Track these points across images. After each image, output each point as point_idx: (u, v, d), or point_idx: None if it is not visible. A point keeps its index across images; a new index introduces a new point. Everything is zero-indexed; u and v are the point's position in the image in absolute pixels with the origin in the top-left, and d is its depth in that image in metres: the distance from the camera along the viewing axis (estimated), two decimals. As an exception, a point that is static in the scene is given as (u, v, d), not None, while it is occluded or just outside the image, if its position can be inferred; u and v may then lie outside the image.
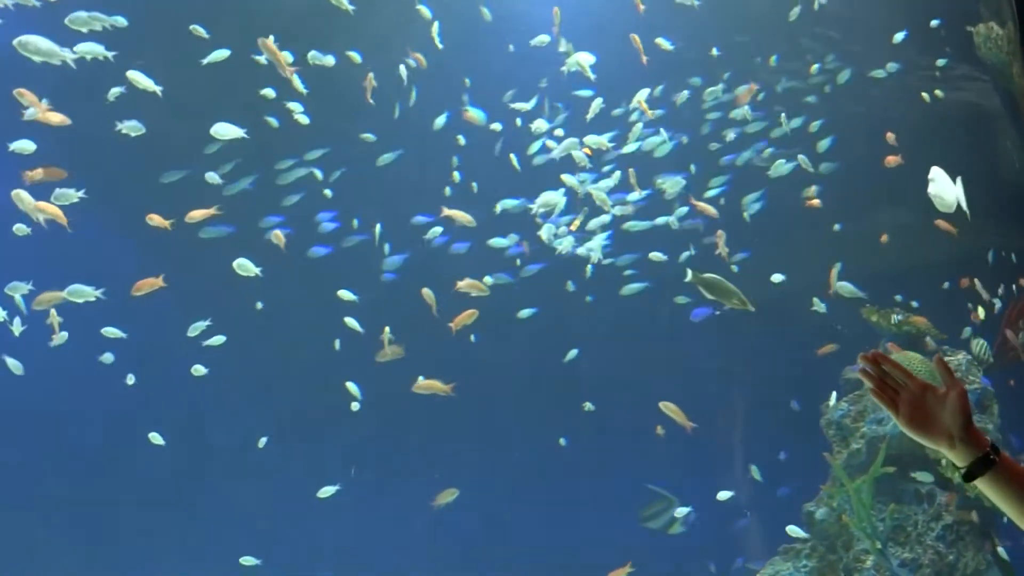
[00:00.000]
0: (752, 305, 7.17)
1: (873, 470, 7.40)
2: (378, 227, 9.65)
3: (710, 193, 9.55)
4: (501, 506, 9.82)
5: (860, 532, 7.51)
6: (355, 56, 9.03)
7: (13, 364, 8.40)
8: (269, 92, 8.83)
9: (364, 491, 9.85)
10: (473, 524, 9.68)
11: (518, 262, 9.74)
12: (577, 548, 9.65)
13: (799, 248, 9.07)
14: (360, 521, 9.89)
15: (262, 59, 8.51)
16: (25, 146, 7.85)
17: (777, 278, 8.70)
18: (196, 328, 8.71)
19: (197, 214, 8.51)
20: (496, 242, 9.56)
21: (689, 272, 7.37)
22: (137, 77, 7.86)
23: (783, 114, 9.46)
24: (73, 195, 7.81)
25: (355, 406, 8.77)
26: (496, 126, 9.53)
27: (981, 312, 8.33)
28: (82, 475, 9.48)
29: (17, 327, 8.15)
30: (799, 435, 8.93)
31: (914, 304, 8.39)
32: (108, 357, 8.92)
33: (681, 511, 8.64)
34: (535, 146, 9.53)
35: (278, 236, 9.12)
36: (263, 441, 9.43)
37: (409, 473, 9.76)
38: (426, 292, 9.02)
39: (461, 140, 9.68)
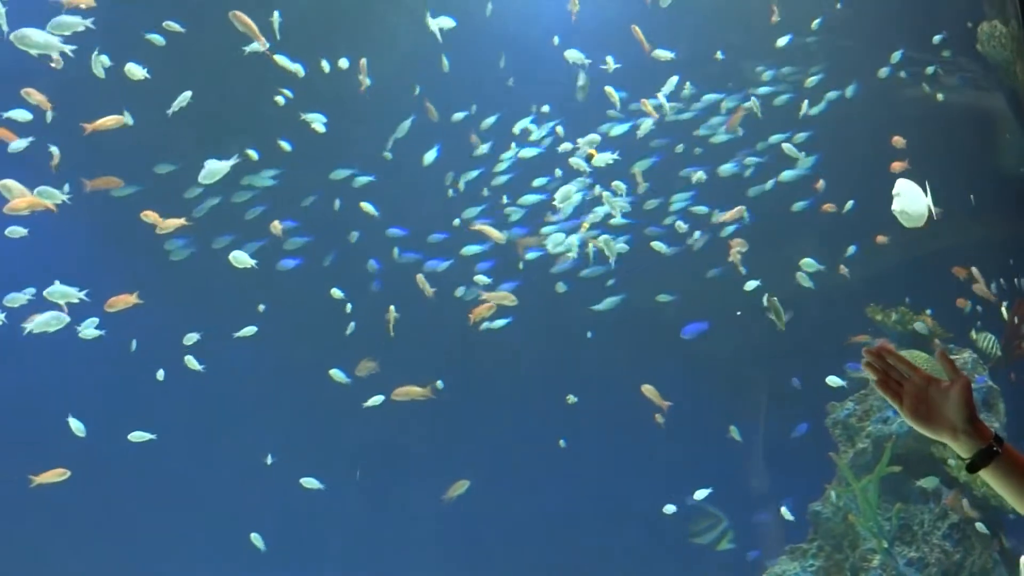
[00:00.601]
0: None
1: (879, 469, 7.40)
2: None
3: (675, 206, 9.58)
4: (507, 506, 9.84)
5: (866, 531, 7.51)
6: (366, 81, 9.07)
7: (76, 427, 8.31)
8: (279, 100, 8.91)
9: (370, 491, 9.89)
10: (479, 524, 9.70)
11: (520, 266, 9.75)
12: (583, 547, 9.68)
13: (804, 251, 9.06)
14: (367, 522, 9.92)
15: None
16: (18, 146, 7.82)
17: (750, 285, 8.80)
18: (190, 338, 8.67)
19: (170, 223, 8.22)
20: (469, 250, 9.56)
21: (766, 298, 7.99)
22: (132, 69, 7.82)
23: (806, 100, 9.41)
24: (58, 195, 7.67)
25: (376, 400, 8.64)
26: (517, 129, 9.59)
27: (1004, 310, 8.33)
28: (89, 476, 9.48)
29: (53, 323, 7.82)
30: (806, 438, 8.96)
31: (928, 312, 8.38)
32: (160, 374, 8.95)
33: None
34: (504, 162, 9.60)
35: (276, 227, 9.07)
36: (270, 459, 9.37)
37: (415, 474, 9.79)
38: (419, 278, 9.07)
39: (483, 148, 9.71)
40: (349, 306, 9.46)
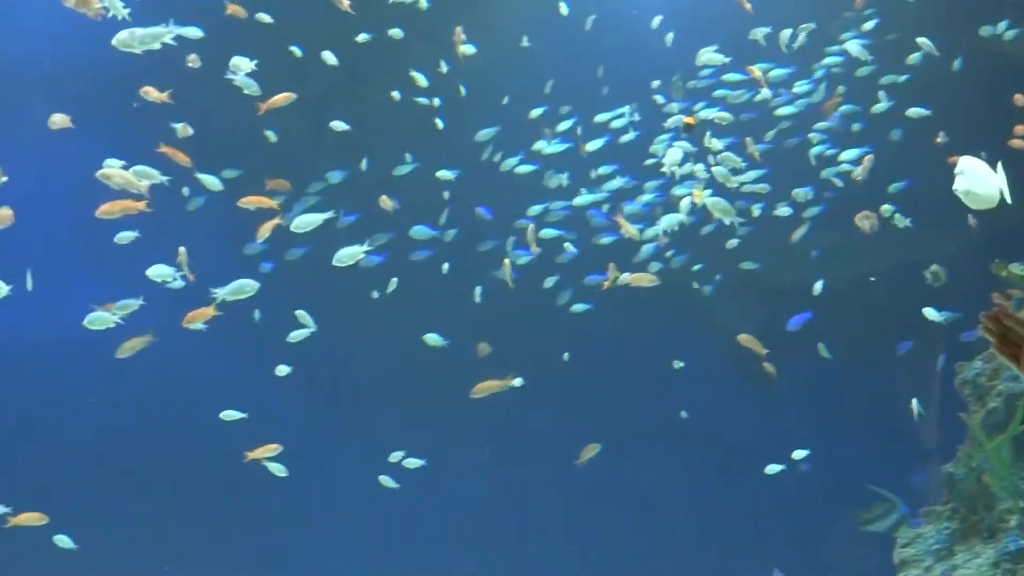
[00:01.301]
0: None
1: (1012, 428, 7.28)
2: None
3: (748, 185, 9.55)
4: (627, 475, 10.00)
5: (1002, 492, 7.41)
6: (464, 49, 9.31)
7: (277, 468, 8.53)
8: (395, 95, 9.42)
9: (500, 468, 10.16)
10: (606, 493, 9.89)
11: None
12: (713, 511, 9.80)
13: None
14: (498, 499, 10.22)
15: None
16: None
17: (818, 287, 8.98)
18: (298, 336, 8.71)
19: (265, 229, 8.32)
20: (547, 233, 9.72)
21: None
22: (242, 78, 8.04)
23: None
24: (156, 175, 7.74)
25: (518, 382, 8.57)
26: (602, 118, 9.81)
27: None
28: (200, 464, 9.89)
29: (248, 289, 8.00)
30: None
31: None
32: (283, 369, 9.07)
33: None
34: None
35: (385, 201, 9.23)
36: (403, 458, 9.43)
37: (541, 448, 9.98)
38: (529, 229, 9.36)
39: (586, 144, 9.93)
40: (479, 291, 9.66)
